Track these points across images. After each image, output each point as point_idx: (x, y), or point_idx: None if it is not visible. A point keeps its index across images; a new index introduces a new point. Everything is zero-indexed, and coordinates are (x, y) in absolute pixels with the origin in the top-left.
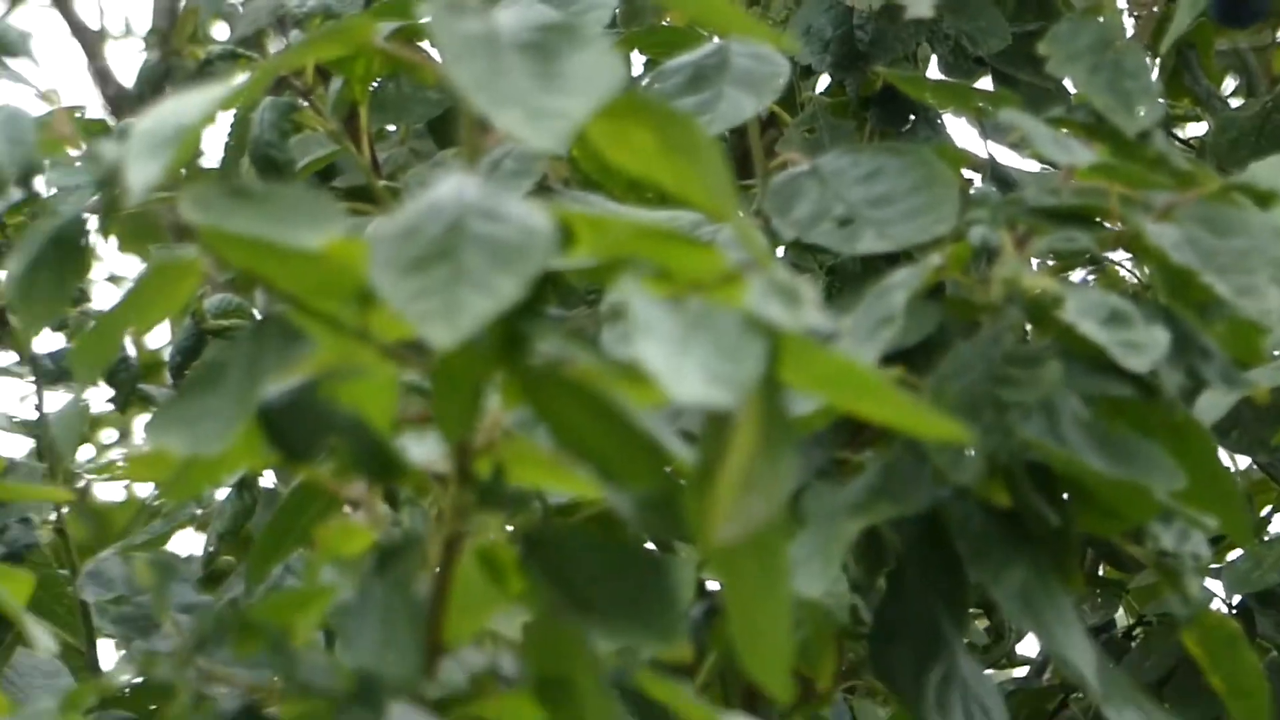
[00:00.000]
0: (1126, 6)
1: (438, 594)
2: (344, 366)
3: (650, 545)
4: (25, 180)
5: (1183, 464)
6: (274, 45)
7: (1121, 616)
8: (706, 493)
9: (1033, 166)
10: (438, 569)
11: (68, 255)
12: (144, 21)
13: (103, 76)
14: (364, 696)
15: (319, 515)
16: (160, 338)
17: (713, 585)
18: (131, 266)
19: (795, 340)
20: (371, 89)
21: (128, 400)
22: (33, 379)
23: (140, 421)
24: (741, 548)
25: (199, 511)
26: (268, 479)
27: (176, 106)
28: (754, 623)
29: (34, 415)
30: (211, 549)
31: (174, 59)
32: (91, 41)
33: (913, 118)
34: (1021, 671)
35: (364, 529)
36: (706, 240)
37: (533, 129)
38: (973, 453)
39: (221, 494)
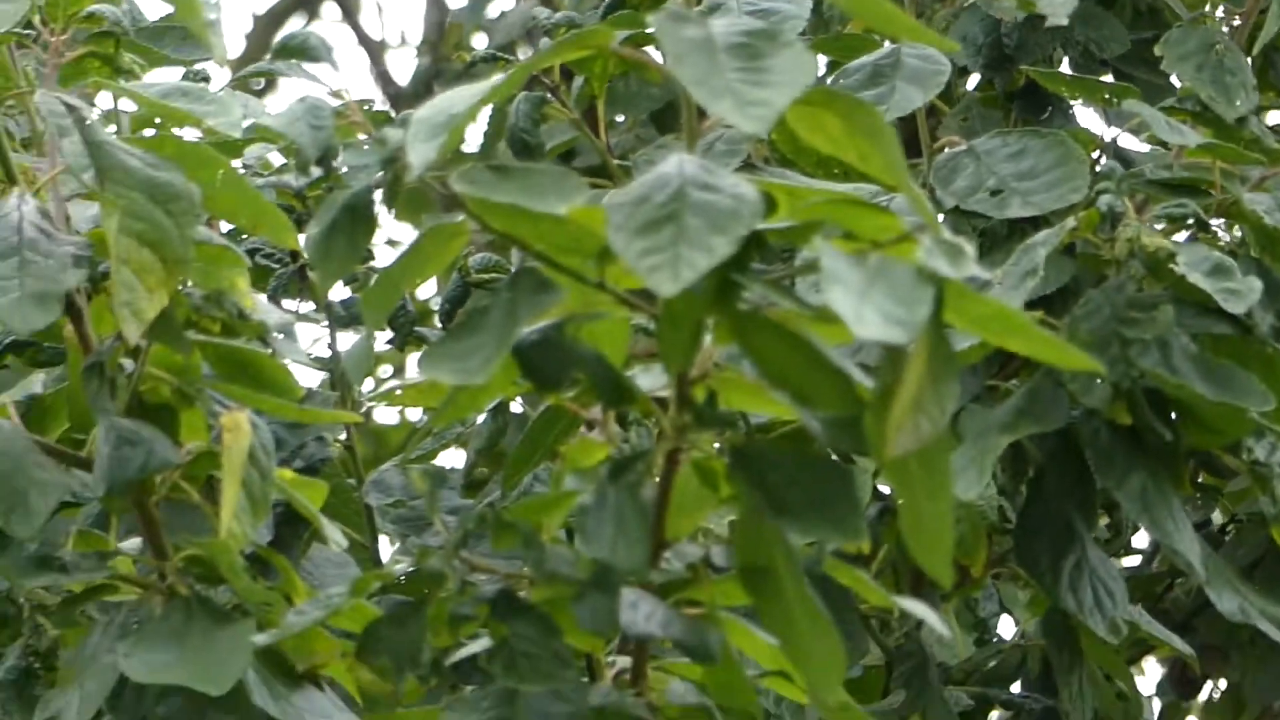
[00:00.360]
0: (1223, 15)
1: (661, 498)
2: (586, 311)
3: (834, 457)
4: (324, 160)
5: (1272, 390)
6: (522, 52)
7: (1217, 516)
8: (883, 414)
9: (1144, 148)
10: (661, 477)
11: (359, 221)
12: (417, 34)
13: (384, 79)
14: (600, 582)
15: (563, 434)
16: (428, 290)
17: (884, 490)
18: (406, 233)
19: (957, 288)
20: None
21: (405, 341)
22: (327, 323)
23: (413, 359)
24: (912, 459)
25: (461, 431)
26: (517, 405)
27: (448, 99)
28: (921, 521)
29: (327, 353)
30: (471, 462)
31: (442, 64)
32: (374, 50)
33: (1049, 108)
34: (1134, 560)
35: (600, 445)
36: (884, 207)
37: (742, 116)
38: (1100, 380)
39: (479, 418)
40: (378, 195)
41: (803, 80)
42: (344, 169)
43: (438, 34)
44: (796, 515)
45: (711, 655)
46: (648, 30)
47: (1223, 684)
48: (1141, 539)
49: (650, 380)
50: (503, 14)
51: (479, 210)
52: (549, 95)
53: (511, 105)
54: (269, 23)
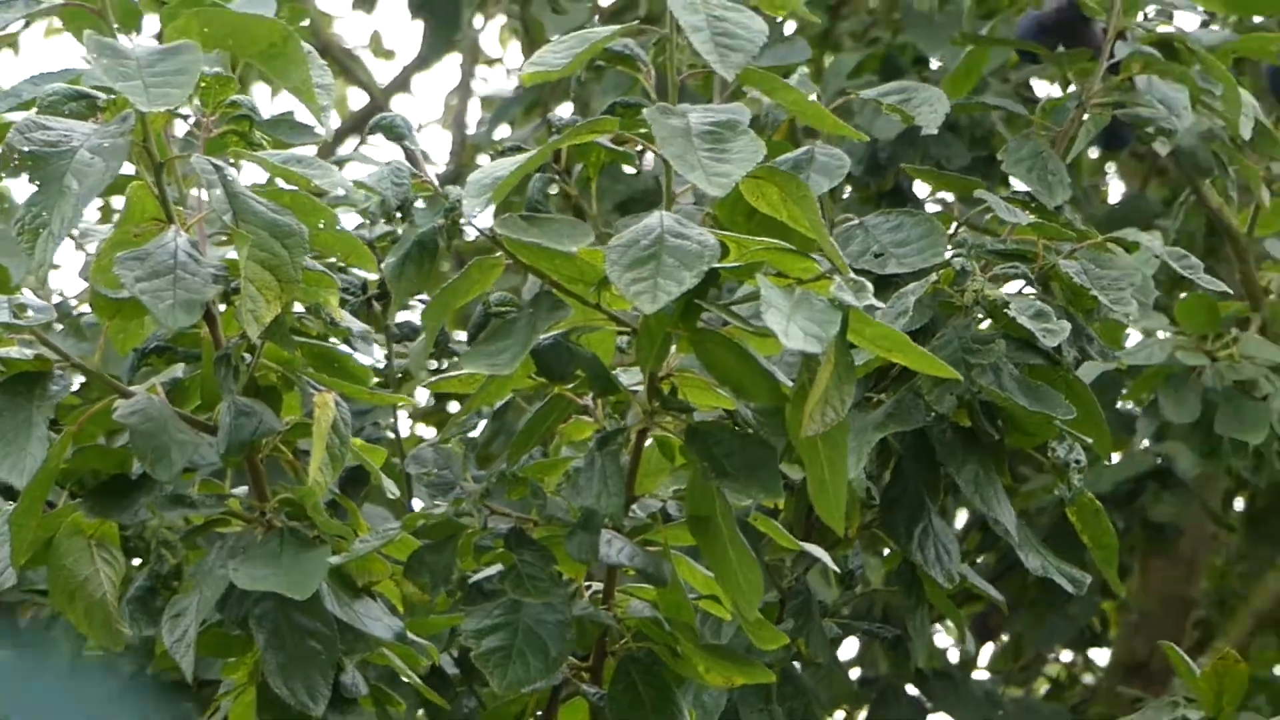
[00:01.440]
0: (1047, 134)
1: (633, 464)
2: (586, 325)
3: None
4: (403, 208)
5: (1074, 404)
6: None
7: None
8: (800, 405)
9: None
10: (633, 449)
11: (425, 254)
12: (445, 150)
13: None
14: (586, 524)
15: (561, 417)
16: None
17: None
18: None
19: (858, 315)
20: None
21: (442, 351)
22: (384, 339)
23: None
24: (819, 439)
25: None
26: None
27: (494, 167)
28: (824, 486)
29: (383, 362)
30: (481, 444)
31: (461, 169)
32: (414, 159)
33: (908, 203)
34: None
35: (590, 424)
36: (807, 255)
37: (709, 183)
38: (949, 393)
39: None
40: (440, 235)
41: (754, 159)
42: (417, 214)
43: (460, 149)
44: (733, 478)
45: (664, 580)
46: (640, 123)
47: (1005, 637)
48: (958, 522)
49: (629, 378)
50: (505, 138)
51: (512, 248)
52: (556, 176)
53: (529, 182)
54: (335, 140)
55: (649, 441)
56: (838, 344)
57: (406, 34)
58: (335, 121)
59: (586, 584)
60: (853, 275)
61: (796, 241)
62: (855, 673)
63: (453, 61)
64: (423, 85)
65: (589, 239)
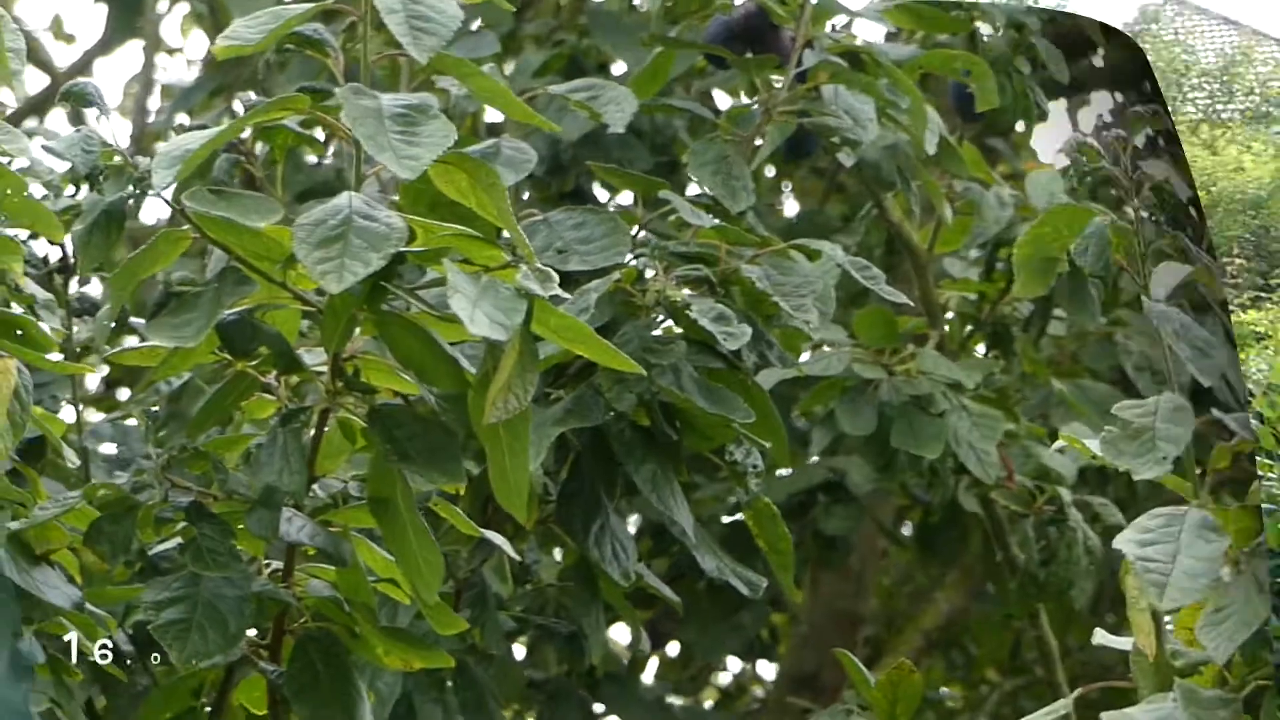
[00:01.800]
0: (732, 139)
1: (315, 443)
2: (271, 302)
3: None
4: (91, 176)
5: (752, 408)
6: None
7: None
8: (483, 392)
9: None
10: (316, 429)
11: (113, 222)
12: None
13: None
14: (267, 501)
15: (244, 394)
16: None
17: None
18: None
19: (543, 304)
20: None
21: (121, 329)
22: (65, 313)
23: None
24: (501, 426)
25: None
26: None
27: (184, 139)
28: (505, 473)
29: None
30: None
31: (146, 154)
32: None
33: (589, 203)
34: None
35: (272, 402)
36: (494, 241)
37: (399, 166)
38: (628, 391)
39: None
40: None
41: (445, 144)
42: (106, 183)
43: (140, 136)
44: (414, 461)
45: (344, 561)
46: (330, 107)
47: (674, 646)
48: (630, 528)
49: (313, 357)
50: (186, 124)
51: (200, 221)
52: (242, 157)
53: (215, 160)
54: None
55: (331, 421)
56: (522, 332)
57: (89, 19)
58: (10, 95)
59: (266, 561)
60: (539, 265)
61: (482, 230)
62: (525, 675)
63: (134, 49)
64: (104, 71)
65: (277, 216)
